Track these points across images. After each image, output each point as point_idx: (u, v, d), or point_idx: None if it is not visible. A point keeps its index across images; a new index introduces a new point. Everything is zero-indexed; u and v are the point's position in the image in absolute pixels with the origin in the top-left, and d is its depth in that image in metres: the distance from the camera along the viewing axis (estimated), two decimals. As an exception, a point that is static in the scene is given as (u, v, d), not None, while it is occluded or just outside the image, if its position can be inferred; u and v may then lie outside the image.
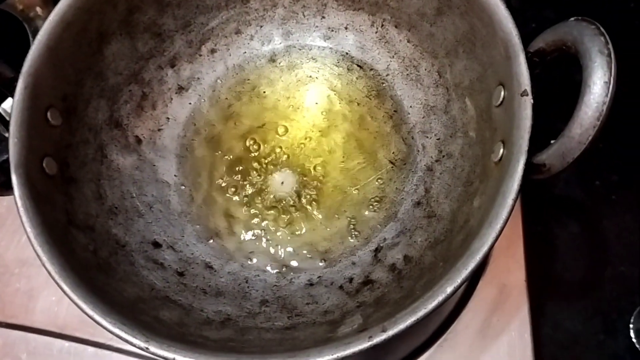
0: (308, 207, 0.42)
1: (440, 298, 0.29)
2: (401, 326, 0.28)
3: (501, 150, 0.33)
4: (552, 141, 0.31)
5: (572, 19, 0.31)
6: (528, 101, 0.31)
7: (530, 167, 0.31)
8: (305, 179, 0.43)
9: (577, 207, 0.48)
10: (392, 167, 0.42)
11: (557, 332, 0.44)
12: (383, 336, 0.28)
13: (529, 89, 0.32)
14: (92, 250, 0.35)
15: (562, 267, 0.46)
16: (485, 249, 0.29)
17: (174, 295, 0.37)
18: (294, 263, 0.40)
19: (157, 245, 0.40)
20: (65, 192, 0.36)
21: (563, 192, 0.48)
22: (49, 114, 0.36)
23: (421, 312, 0.28)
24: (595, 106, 0.28)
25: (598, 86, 0.28)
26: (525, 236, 0.43)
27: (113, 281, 0.35)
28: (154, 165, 0.43)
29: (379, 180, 0.42)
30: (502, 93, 0.34)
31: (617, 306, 0.44)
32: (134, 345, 0.29)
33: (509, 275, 0.42)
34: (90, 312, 0.29)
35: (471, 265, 0.29)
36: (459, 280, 0.29)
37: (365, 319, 0.33)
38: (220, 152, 0.44)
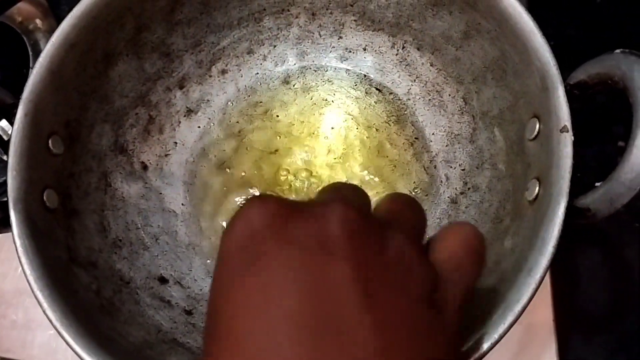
0: (324, 239, 0.40)
1: (476, 355, 0.26)
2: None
3: (537, 189, 0.31)
4: (596, 184, 0.28)
5: (619, 50, 0.29)
6: (569, 138, 0.29)
7: (572, 211, 0.28)
8: (320, 209, 0.40)
9: (600, 235, 0.46)
10: (413, 198, 0.40)
11: (579, 368, 0.42)
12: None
13: (569, 124, 0.29)
14: (95, 290, 0.33)
15: (584, 298, 0.44)
16: (524, 300, 0.27)
17: (182, 338, 0.34)
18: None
19: (163, 280, 0.37)
20: (67, 226, 0.34)
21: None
22: (50, 142, 0.34)
23: (455, 371, 0.26)
24: (648, 149, 0.26)
25: (650, 127, 0.26)
26: (552, 272, 0.41)
27: (118, 324, 0.32)
28: (161, 194, 0.40)
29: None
30: (537, 126, 0.32)
31: (641, 340, 0.42)
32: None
33: (535, 313, 0.40)
34: (95, 367, 0.27)
35: (509, 319, 0.27)
36: (496, 336, 0.26)
37: None
38: (230, 179, 0.41)
